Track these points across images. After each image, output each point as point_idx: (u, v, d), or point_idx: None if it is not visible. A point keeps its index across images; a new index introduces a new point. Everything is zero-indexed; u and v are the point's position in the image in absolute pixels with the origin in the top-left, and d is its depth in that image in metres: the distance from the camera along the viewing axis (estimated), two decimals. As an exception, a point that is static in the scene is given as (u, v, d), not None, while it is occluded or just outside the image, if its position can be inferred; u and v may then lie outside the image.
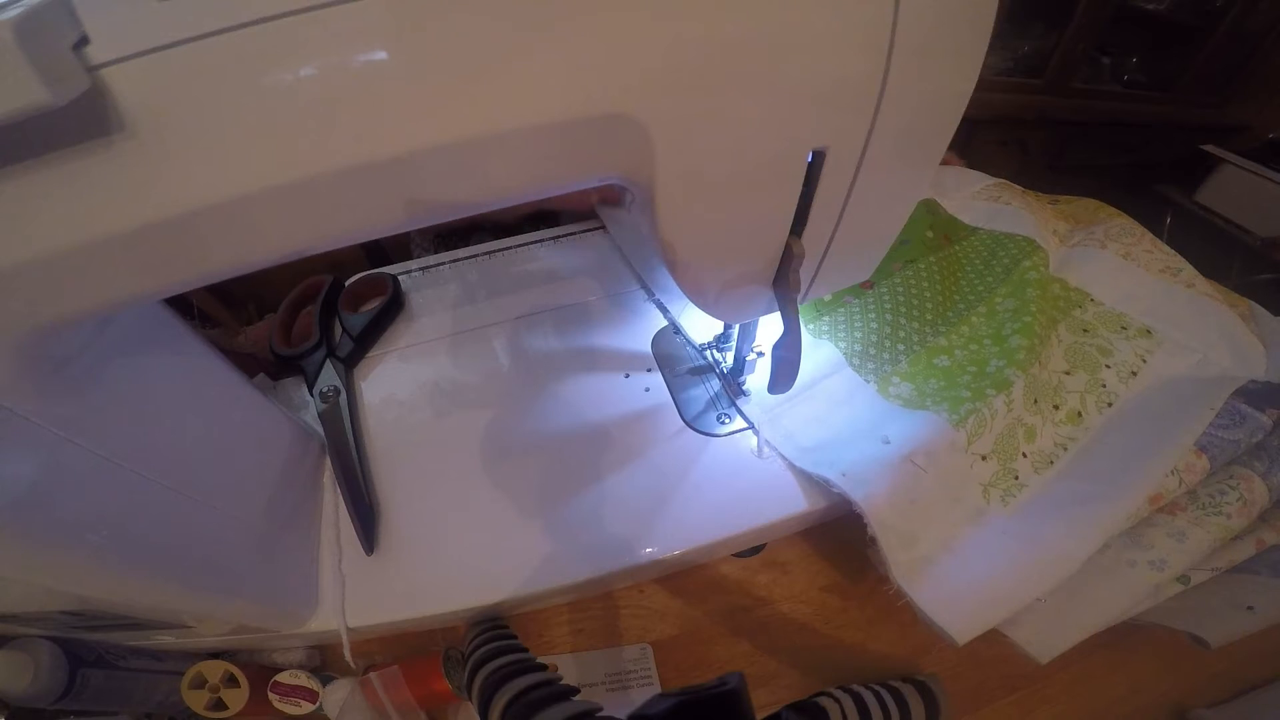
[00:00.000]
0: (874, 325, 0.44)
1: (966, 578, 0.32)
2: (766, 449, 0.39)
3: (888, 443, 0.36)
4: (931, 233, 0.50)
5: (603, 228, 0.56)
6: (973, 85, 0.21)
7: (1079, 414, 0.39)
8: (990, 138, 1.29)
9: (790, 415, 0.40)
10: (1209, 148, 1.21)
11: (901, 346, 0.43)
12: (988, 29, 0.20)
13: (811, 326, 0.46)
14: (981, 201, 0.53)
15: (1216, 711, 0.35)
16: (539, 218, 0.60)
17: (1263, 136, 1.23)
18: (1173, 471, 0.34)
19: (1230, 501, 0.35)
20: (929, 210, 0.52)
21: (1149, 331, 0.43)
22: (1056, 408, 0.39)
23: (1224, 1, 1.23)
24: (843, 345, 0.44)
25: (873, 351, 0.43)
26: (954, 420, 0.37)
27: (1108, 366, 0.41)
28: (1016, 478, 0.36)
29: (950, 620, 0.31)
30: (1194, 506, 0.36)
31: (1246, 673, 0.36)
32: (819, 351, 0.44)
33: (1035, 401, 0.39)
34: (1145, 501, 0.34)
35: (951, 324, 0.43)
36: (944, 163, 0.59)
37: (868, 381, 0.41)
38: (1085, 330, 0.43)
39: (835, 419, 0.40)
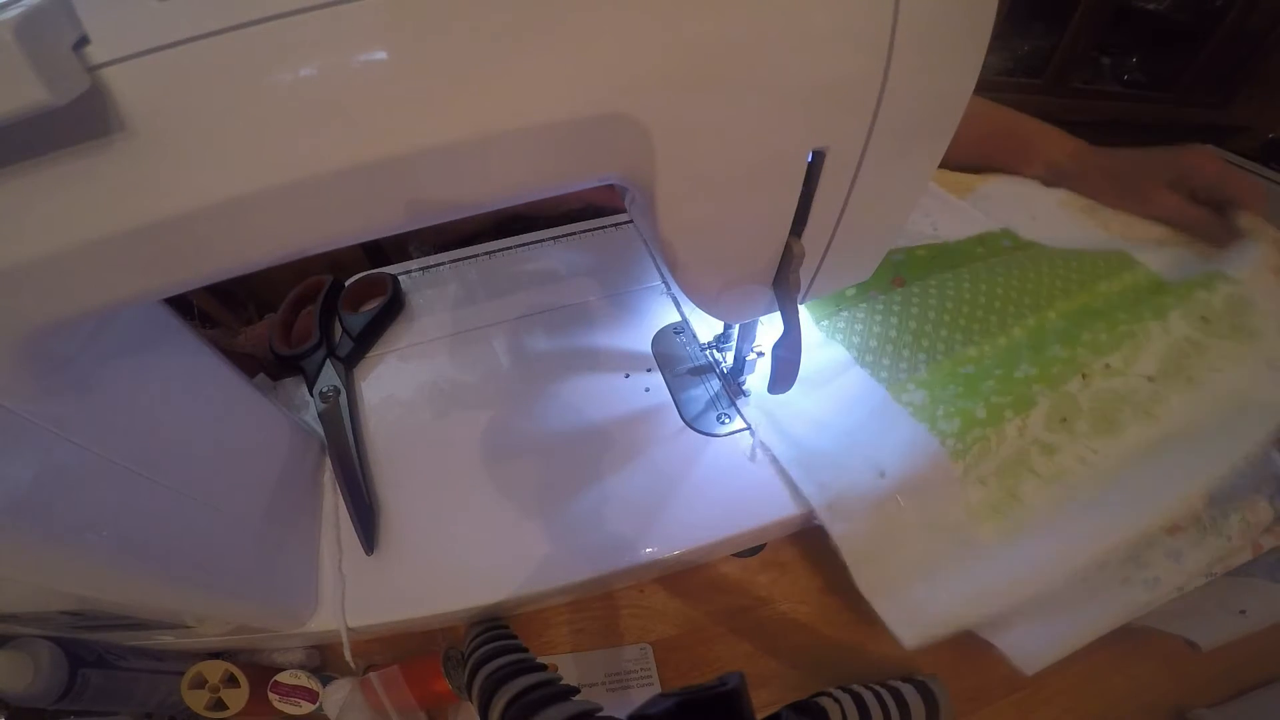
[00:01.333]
0: (894, 332, 0.41)
1: (936, 595, 0.33)
2: (760, 452, 0.38)
3: (883, 476, 0.35)
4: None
5: (603, 228, 0.56)
6: (973, 85, 0.21)
7: (1115, 423, 0.36)
8: (990, 138, 1.28)
9: (792, 416, 0.39)
10: (1209, 148, 1.20)
11: (923, 355, 0.40)
12: (988, 29, 0.20)
13: (825, 324, 0.43)
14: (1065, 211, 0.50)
15: (1216, 712, 0.35)
16: (579, 214, 0.59)
17: (1263, 136, 1.23)
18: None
19: (1232, 524, 0.34)
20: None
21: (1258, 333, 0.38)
22: (1110, 421, 0.36)
23: (1224, 1, 1.23)
24: (856, 341, 0.41)
25: (890, 349, 0.40)
26: (955, 452, 0.35)
27: (1178, 369, 0.37)
28: (1016, 497, 0.35)
29: (904, 628, 0.31)
30: (1194, 528, 0.35)
31: (1247, 673, 0.36)
32: (828, 350, 0.42)
33: (1064, 420, 0.36)
34: (1128, 543, 0.33)
35: (990, 334, 0.40)
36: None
37: (880, 383, 0.39)
38: (1205, 320, 0.38)
39: (837, 425, 0.38)
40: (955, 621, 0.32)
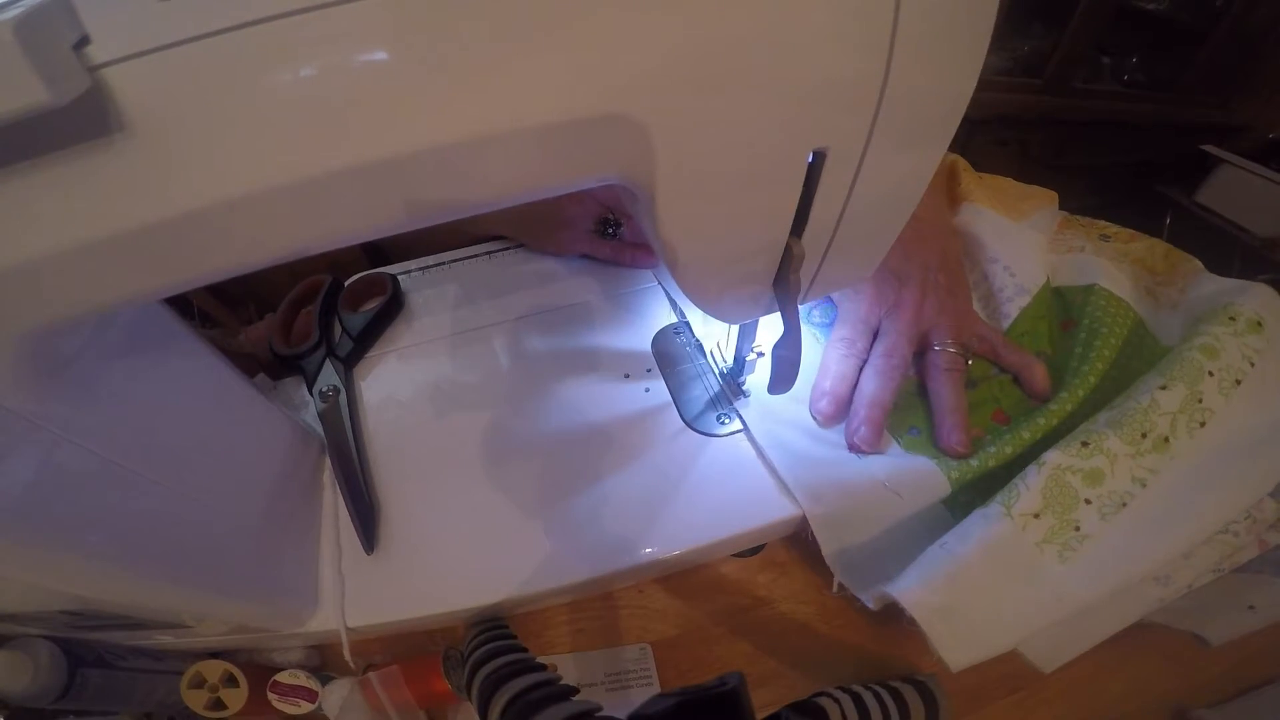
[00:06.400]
0: (991, 463, 0.38)
1: (1001, 628, 0.32)
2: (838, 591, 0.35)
3: (942, 546, 0.33)
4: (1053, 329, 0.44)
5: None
6: (973, 84, 0.21)
7: (1166, 440, 0.34)
8: (990, 138, 1.29)
9: (863, 548, 0.36)
10: (1209, 148, 1.21)
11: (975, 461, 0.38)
12: (988, 29, 0.20)
13: (903, 441, 0.40)
14: (1060, 253, 0.48)
15: (1217, 712, 0.35)
16: None
17: (1263, 136, 1.24)
18: None
19: (1239, 521, 0.34)
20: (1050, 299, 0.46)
21: (1259, 324, 0.36)
22: (1144, 435, 0.34)
23: (1224, 1, 1.24)
24: (954, 476, 0.38)
25: (983, 484, 0.38)
26: (1007, 507, 0.34)
27: (1210, 374, 0.35)
28: (1078, 529, 0.33)
29: (954, 653, 0.31)
30: None
31: (1247, 673, 0.36)
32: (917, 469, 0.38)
33: (1084, 445, 0.34)
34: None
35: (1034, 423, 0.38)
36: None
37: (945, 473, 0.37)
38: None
39: (908, 547, 0.35)
40: (1008, 646, 0.31)
